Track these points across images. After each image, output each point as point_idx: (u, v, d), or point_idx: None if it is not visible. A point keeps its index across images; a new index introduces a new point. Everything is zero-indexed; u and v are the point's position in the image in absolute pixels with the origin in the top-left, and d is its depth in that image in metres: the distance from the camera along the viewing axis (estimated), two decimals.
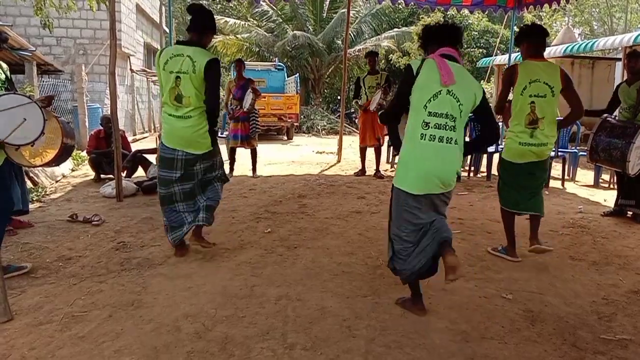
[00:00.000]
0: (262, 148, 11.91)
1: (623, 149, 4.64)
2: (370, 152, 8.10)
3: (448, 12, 17.87)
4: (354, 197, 6.28)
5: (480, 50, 21.04)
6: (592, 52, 15.32)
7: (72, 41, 13.32)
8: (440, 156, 2.74)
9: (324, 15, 21.63)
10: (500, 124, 4.58)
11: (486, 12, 12.66)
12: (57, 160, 3.90)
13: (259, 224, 4.92)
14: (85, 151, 8.14)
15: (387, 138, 7.92)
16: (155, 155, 7.03)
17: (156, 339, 2.61)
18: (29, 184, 6.21)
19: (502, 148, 4.16)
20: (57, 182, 7.17)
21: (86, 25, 13.35)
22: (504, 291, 3.33)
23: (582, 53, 14.17)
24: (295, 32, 19.60)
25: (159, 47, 17.52)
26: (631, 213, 5.30)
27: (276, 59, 19.70)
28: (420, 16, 20.82)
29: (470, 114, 2.88)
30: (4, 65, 3.71)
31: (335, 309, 3.00)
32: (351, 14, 14.77)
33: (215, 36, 9.28)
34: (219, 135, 6.53)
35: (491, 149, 7.57)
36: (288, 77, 17.18)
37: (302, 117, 17.53)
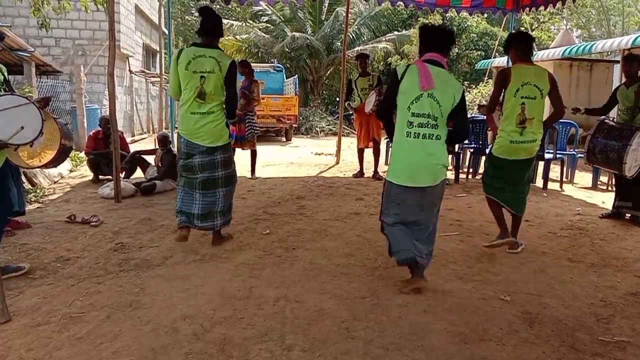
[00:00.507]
0: (260, 149, 11.90)
1: (619, 151, 4.69)
2: (368, 154, 8.10)
3: (447, 14, 17.91)
4: (353, 199, 6.28)
5: (479, 52, 21.07)
6: (591, 55, 15.35)
7: (71, 42, 13.31)
8: (424, 151, 3.07)
9: (323, 17, 21.65)
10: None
11: (485, 14, 12.68)
12: (55, 162, 3.90)
13: (257, 226, 4.92)
14: (83, 152, 8.13)
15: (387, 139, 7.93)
16: (153, 156, 7.03)
17: (154, 340, 2.60)
18: (27, 185, 6.21)
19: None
20: (55, 183, 7.16)
21: (85, 26, 13.34)
22: (502, 293, 3.33)
23: (580, 55, 14.20)
24: (294, 33, 19.62)
25: (158, 49, 17.55)
26: (629, 215, 5.31)
27: (275, 60, 19.71)
28: (419, 18, 20.85)
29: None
30: (2, 67, 3.70)
31: (334, 311, 3.00)
32: (350, 16, 14.79)
33: None
34: None
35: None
36: (287, 78, 17.19)
37: (300, 118, 17.54)
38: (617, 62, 13.42)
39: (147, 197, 6.16)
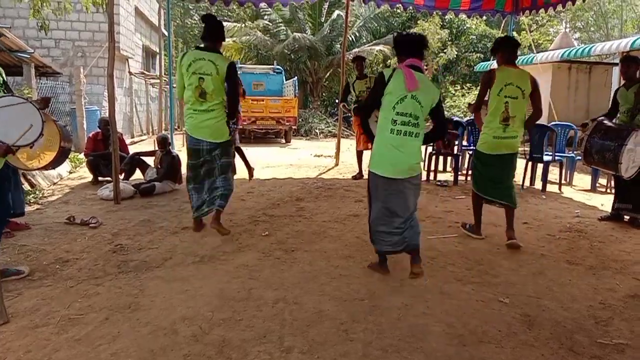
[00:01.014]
0: (260, 151, 11.95)
1: (615, 151, 4.70)
2: (367, 156, 8.08)
3: (446, 17, 17.93)
4: (352, 201, 6.28)
5: (478, 54, 21.11)
6: (589, 57, 15.37)
7: (71, 43, 13.33)
8: (405, 146, 3.39)
9: (322, 18, 21.66)
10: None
11: (484, 17, 12.71)
12: (55, 163, 3.90)
13: (256, 227, 4.92)
14: (82, 154, 8.13)
15: None
16: (153, 158, 7.03)
17: (153, 342, 2.60)
18: (26, 186, 6.21)
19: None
20: (54, 184, 7.16)
21: (85, 28, 13.36)
22: (501, 295, 3.33)
23: (579, 58, 14.21)
24: (295, 34, 19.63)
25: (158, 50, 17.55)
26: (628, 217, 5.32)
27: (274, 62, 19.73)
28: (419, 21, 20.88)
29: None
30: (0, 69, 3.70)
31: (333, 312, 3.00)
32: (350, 18, 14.80)
33: None
34: None
35: None
36: (286, 80, 17.20)
37: (300, 120, 17.55)
38: (616, 64, 13.44)
39: (146, 199, 6.16)
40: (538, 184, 7.42)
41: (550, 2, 8.48)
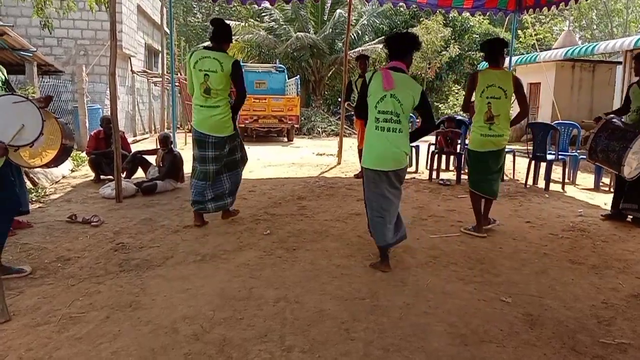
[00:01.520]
0: (262, 150, 11.94)
1: (620, 152, 4.69)
2: None
3: (449, 15, 17.92)
4: (354, 199, 6.27)
5: (481, 53, 21.02)
6: (593, 56, 15.32)
7: (73, 42, 13.34)
8: (388, 141, 3.65)
9: (325, 17, 21.64)
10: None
11: (487, 15, 12.66)
12: (57, 161, 3.90)
13: (258, 226, 4.91)
14: (85, 152, 8.14)
15: None
16: (155, 156, 7.04)
17: (154, 341, 2.60)
18: (29, 185, 6.21)
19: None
20: (56, 182, 7.17)
21: (87, 26, 13.37)
22: (503, 294, 3.32)
23: (582, 56, 14.17)
24: (298, 33, 19.60)
25: (160, 49, 17.56)
26: (631, 217, 5.28)
27: (277, 60, 19.72)
28: (421, 19, 20.84)
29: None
30: (1, 67, 3.70)
31: (334, 312, 2.99)
32: (352, 17, 14.78)
33: None
34: None
35: None
36: (289, 79, 17.20)
37: (302, 119, 17.55)
38: (620, 63, 13.40)
39: (148, 197, 6.16)
40: (541, 183, 7.40)
41: (553, 1, 8.45)
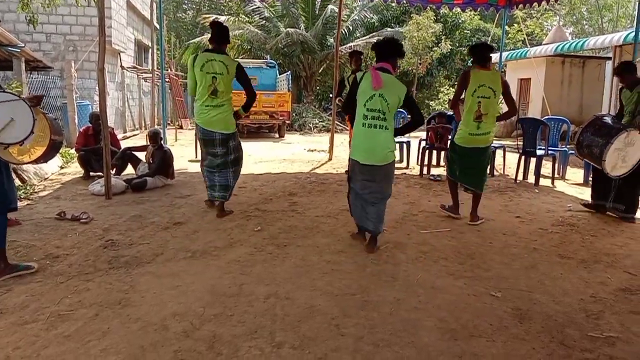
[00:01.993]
0: (253, 146, 11.91)
1: (601, 148, 4.84)
2: None
3: (440, 10, 17.91)
4: (345, 195, 6.19)
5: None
6: (583, 51, 15.40)
7: (62, 37, 13.19)
8: (375, 137, 3.91)
9: (316, 12, 21.58)
10: None
11: (478, 10, 12.68)
12: (46, 157, 3.87)
13: (248, 222, 4.90)
14: (74, 148, 8.07)
15: None
16: (144, 153, 6.99)
17: (143, 338, 2.59)
18: (17, 182, 6.15)
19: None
20: (45, 179, 7.10)
21: (76, 22, 13.22)
22: (492, 289, 3.34)
23: (572, 52, 14.24)
24: (288, 29, 19.53)
25: (150, 44, 17.43)
26: (616, 216, 5.32)
27: (268, 56, 19.63)
28: (412, 15, 20.84)
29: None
30: None
31: (324, 307, 2.99)
32: (343, 12, 14.75)
33: (207, 33, 9.37)
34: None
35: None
36: (280, 74, 17.14)
37: (293, 115, 17.51)
38: (609, 59, 13.49)
39: (137, 194, 6.12)
40: (531, 178, 7.44)
41: None
